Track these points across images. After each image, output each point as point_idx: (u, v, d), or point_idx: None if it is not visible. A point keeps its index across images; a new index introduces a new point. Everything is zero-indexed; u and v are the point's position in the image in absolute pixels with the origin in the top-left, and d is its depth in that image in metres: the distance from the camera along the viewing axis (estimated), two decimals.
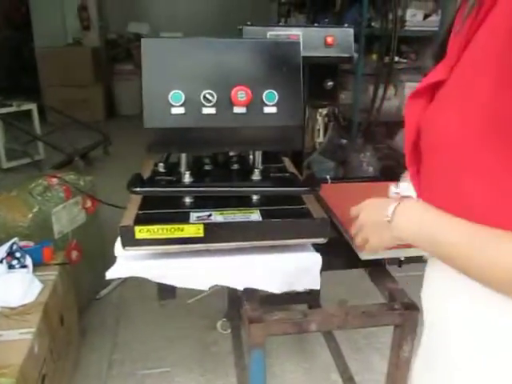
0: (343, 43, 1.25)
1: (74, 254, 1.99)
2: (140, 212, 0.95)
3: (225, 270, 0.97)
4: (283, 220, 0.95)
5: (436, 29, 3.33)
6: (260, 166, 1.07)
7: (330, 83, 1.33)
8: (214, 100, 0.91)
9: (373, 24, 3.29)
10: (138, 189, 0.93)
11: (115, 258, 0.98)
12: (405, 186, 0.87)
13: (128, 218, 0.93)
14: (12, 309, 1.42)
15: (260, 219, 0.94)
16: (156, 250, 0.94)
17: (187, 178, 1.02)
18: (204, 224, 0.91)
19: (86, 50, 5.71)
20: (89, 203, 2.08)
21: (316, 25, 1.26)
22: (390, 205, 0.71)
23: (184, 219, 0.92)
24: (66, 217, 1.92)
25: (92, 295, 2.24)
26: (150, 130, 0.92)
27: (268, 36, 1.22)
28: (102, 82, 5.92)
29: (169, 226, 0.90)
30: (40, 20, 5.79)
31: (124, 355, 1.91)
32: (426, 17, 3.32)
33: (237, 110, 0.92)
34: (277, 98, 0.93)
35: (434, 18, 3.32)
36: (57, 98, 5.45)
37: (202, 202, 0.99)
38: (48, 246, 1.66)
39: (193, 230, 0.91)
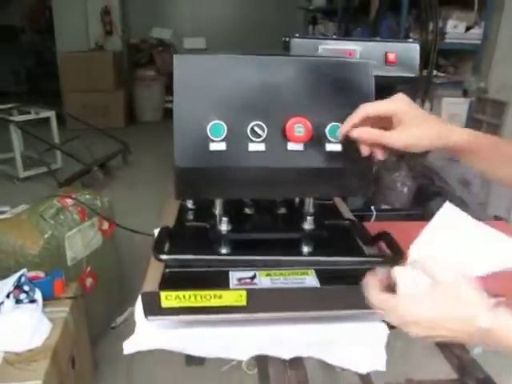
0: (407, 61, 1.06)
1: (89, 282, 1.83)
2: (167, 271, 0.77)
3: (269, 340, 0.79)
4: (348, 286, 0.76)
5: (478, 42, 3.12)
6: (311, 209, 0.89)
7: None
8: (264, 134, 0.73)
9: (411, 35, 3.09)
10: (166, 257, 0.75)
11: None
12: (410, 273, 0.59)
13: (151, 280, 0.75)
14: (17, 354, 1.25)
15: (317, 285, 0.75)
16: (186, 320, 0.76)
17: (225, 225, 0.84)
18: (247, 290, 0.73)
19: (108, 54, 5.60)
20: (106, 225, 1.92)
21: (377, 39, 1.08)
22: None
23: (222, 282, 0.74)
24: (81, 241, 1.76)
25: (107, 323, 2.07)
26: (182, 169, 0.74)
27: (320, 50, 1.04)
28: (123, 88, 5.81)
29: (203, 293, 0.72)
30: (62, 24, 5.69)
31: None
32: (467, 29, 3.11)
33: (292, 146, 0.75)
34: None
35: (477, 31, 3.10)
36: (78, 103, 5.36)
37: (242, 250, 0.82)
38: (59, 278, 1.50)
39: (233, 297, 0.73)
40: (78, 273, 1.76)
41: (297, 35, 1.03)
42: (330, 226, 0.91)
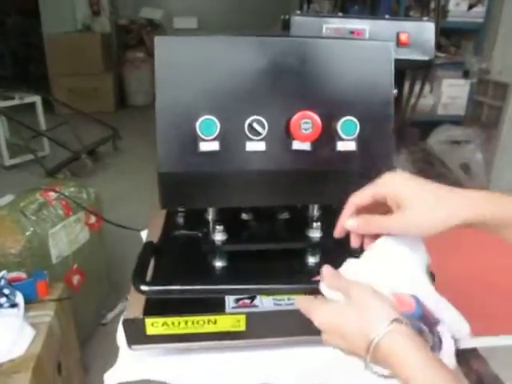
0: (422, 42, 0.95)
1: (76, 279, 1.73)
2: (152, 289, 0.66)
3: (274, 367, 0.69)
4: None
5: (481, 20, 3.00)
6: (317, 213, 0.79)
7: (395, 91, 1.04)
8: (265, 131, 0.63)
9: (411, 14, 2.96)
10: (148, 288, 0.62)
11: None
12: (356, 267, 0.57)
13: (134, 303, 0.65)
14: None
15: None
16: (175, 348, 0.66)
17: (219, 234, 0.73)
18: (246, 314, 0.63)
19: (96, 36, 5.41)
20: (93, 219, 1.81)
21: (388, 17, 0.96)
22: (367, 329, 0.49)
23: (216, 304, 0.64)
24: (66, 238, 1.65)
25: (97, 320, 1.98)
26: (167, 175, 0.63)
27: (324, 30, 0.93)
28: (113, 71, 5.64)
29: (195, 318, 0.62)
30: (48, 5, 5.48)
31: None
32: (470, 7, 2.98)
33: (297, 145, 0.64)
34: (358, 129, 0.64)
35: (480, 9, 2.98)
36: (65, 87, 5.20)
37: (239, 263, 0.72)
38: (42, 279, 1.39)
39: (230, 322, 0.63)
40: (64, 271, 1.66)
41: (298, 12, 0.91)
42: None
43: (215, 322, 0.63)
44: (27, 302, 1.33)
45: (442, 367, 0.45)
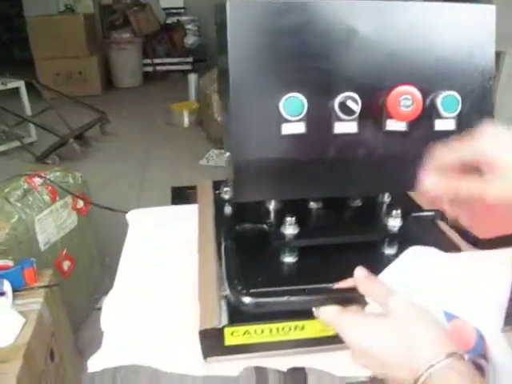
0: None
1: (66, 265, 1.71)
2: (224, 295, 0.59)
3: None
4: None
5: None
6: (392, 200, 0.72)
7: None
8: (358, 109, 0.55)
9: None
10: (254, 300, 0.53)
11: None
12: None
13: (207, 305, 0.58)
14: None
15: None
16: (260, 356, 0.60)
17: (290, 227, 0.65)
18: None
19: (79, 17, 5.28)
20: (80, 204, 1.78)
21: None
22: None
23: (302, 307, 0.55)
24: (53, 223, 1.62)
25: (91, 305, 1.97)
26: (243, 163, 0.57)
27: None
28: (98, 53, 5.53)
29: (280, 325, 0.56)
30: None
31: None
32: None
33: (393, 125, 0.57)
34: (459, 105, 0.57)
35: None
36: (50, 71, 5.12)
37: (316, 258, 0.66)
38: (29, 266, 1.37)
39: (319, 327, 0.57)
40: (53, 257, 1.64)
41: None
42: (419, 220, 0.72)
43: (303, 328, 0.57)
44: (15, 290, 1.31)
45: None
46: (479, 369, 0.42)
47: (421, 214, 0.73)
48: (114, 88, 5.82)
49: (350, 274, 0.52)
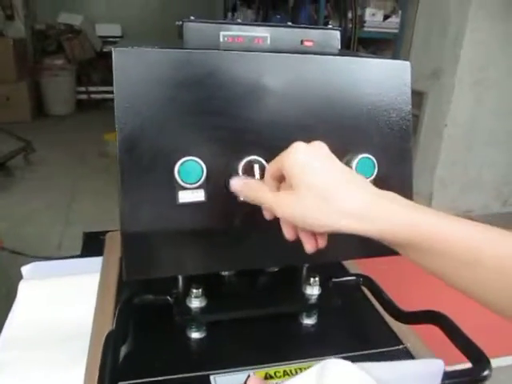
0: (326, 50, 0.91)
1: None
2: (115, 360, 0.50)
3: None
4: None
5: (396, 31, 3.09)
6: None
7: None
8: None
9: (330, 23, 2.99)
10: None
11: None
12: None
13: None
14: None
15: None
16: None
17: (196, 300, 0.59)
18: None
19: (8, 42, 5.05)
20: None
21: (292, 24, 0.91)
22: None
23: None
24: None
25: None
26: (133, 236, 0.49)
27: (221, 38, 0.85)
28: (28, 78, 5.30)
29: None
30: None
31: None
32: (385, 18, 3.06)
33: None
34: (376, 168, 0.54)
35: (394, 20, 3.06)
36: None
37: (221, 332, 0.59)
38: None
39: None
40: None
41: (192, 18, 0.82)
42: (338, 288, 0.66)
43: None
44: None
45: None
46: None
47: (343, 278, 0.69)
48: (45, 115, 5.58)
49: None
